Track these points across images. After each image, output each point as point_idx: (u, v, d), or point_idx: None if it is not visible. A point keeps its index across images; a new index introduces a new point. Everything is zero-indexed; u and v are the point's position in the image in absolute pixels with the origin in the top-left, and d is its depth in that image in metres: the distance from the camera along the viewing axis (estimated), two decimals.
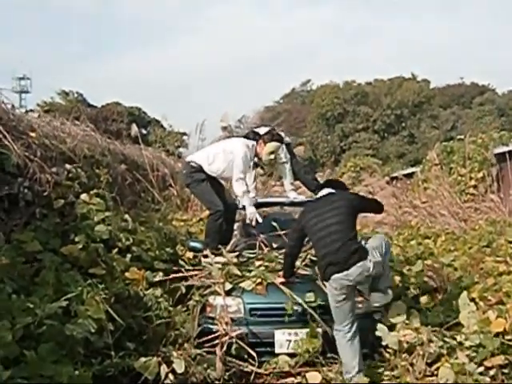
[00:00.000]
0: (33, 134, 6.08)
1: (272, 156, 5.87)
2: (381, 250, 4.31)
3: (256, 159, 6.46)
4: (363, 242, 4.38)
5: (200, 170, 5.74)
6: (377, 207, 4.84)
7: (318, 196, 4.70)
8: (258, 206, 6.55)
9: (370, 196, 16.02)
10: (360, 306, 4.57)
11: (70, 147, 7.09)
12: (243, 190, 5.62)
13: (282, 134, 6.68)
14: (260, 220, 5.62)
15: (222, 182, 6.22)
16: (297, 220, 4.75)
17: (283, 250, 5.22)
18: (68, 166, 6.21)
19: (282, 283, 4.77)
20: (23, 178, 5.34)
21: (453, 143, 16.22)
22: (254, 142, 5.86)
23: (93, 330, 3.81)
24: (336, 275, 4.17)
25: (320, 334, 4.53)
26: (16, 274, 4.25)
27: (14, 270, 4.27)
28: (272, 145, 5.82)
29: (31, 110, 12.10)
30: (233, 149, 5.76)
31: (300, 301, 4.63)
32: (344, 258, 4.14)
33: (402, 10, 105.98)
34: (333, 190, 4.63)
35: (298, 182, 7.32)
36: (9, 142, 5.41)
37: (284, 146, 6.66)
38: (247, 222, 5.62)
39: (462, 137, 15.72)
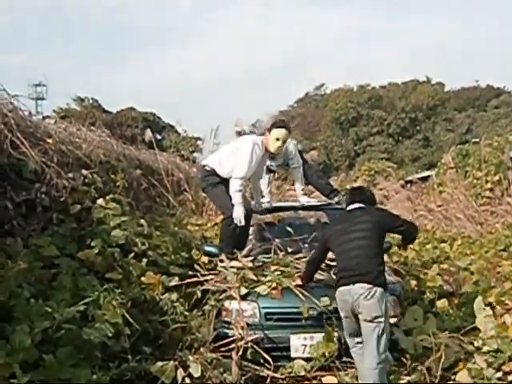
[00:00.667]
0: (49, 140, 6.16)
1: (279, 143, 5.67)
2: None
3: (268, 163, 6.47)
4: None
5: (214, 173, 5.70)
6: (410, 230, 4.51)
7: (347, 209, 4.53)
8: (272, 210, 6.58)
9: (388, 203, 15.96)
10: None
11: (86, 153, 7.16)
12: (237, 189, 5.49)
13: (294, 141, 6.67)
14: (243, 222, 5.49)
15: None
16: (322, 232, 4.69)
17: (298, 255, 5.23)
18: (84, 172, 6.28)
19: (297, 286, 4.76)
20: (40, 183, 5.41)
21: (468, 146, 16.10)
22: (263, 138, 5.75)
23: (110, 334, 3.85)
24: (342, 288, 4.10)
25: (336, 338, 4.52)
26: (34, 278, 4.30)
27: (32, 274, 4.32)
28: (276, 131, 5.67)
29: (47, 117, 12.20)
30: (240, 147, 5.69)
31: (317, 302, 4.62)
32: (356, 273, 4.03)
33: (414, 13, 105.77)
34: (362, 205, 4.45)
35: (311, 187, 7.33)
36: (26, 148, 5.49)
37: (297, 151, 6.68)
38: (235, 221, 5.50)
39: (478, 140, 15.58)
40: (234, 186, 5.51)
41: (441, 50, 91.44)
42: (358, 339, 4.16)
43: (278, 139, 5.66)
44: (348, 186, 8.60)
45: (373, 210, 4.54)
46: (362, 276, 4.01)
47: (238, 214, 5.47)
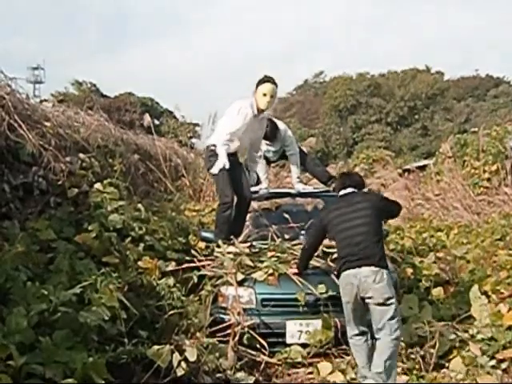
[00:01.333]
0: (47, 124, 6.13)
1: (267, 98, 5.56)
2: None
3: (265, 148, 6.45)
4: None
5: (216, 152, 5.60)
6: (397, 209, 4.63)
7: (340, 194, 4.51)
8: (269, 196, 6.58)
9: (385, 191, 15.97)
10: None
11: (84, 137, 7.14)
12: (222, 142, 5.45)
13: (282, 125, 6.62)
14: (227, 166, 5.39)
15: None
16: (319, 218, 4.65)
17: (295, 241, 5.23)
18: (82, 156, 6.27)
19: (294, 274, 4.77)
20: (38, 167, 5.40)
21: (466, 136, 16.07)
22: (253, 99, 5.65)
23: (106, 318, 3.84)
24: (347, 271, 4.08)
25: (333, 325, 4.53)
26: (31, 261, 4.29)
27: (29, 257, 4.31)
28: (261, 86, 5.58)
29: (45, 100, 12.14)
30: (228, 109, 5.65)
31: (313, 290, 4.64)
32: (361, 257, 4.04)
33: (415, 2, 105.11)
34: (355, 190, 4.46)
35: (309, 175, 7.31)
36: (24, 131, 5.46)
37: (293, 139, 6.67)
38: (213, 170, 5.45)
39: (476, 129, 15.55)
40: (220, 141, 5.46)
41: (442, 39, 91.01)
42: (357, 331, 4.14)
43: (265, 94, 5.57)
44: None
45: (368, 194, 4.58)
46: (367, 259, 4.03)
47: (220, 164, 5.40)
